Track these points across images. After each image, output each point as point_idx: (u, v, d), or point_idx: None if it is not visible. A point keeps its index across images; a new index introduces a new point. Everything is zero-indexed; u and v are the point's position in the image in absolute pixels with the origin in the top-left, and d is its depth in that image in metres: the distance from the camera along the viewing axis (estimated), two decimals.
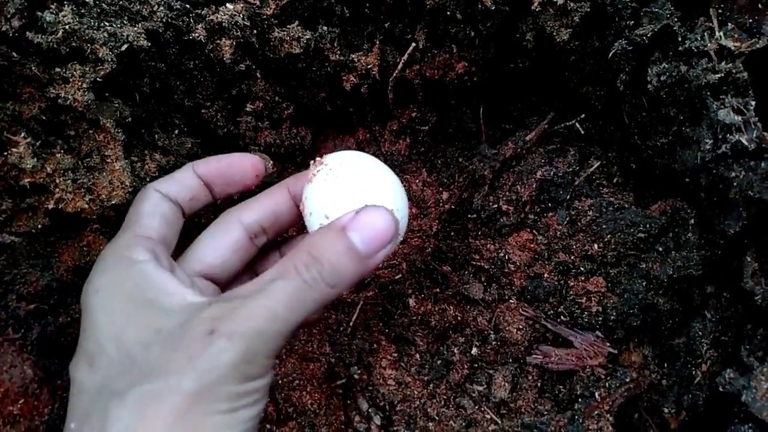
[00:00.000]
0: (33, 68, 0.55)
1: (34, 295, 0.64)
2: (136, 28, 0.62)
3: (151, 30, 0.64)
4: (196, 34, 0.69)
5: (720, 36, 0.58)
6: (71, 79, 0.58)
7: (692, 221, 0.80)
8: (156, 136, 0.79)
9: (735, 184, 0.59)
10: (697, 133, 0.63)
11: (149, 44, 0.63)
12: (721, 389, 0.66)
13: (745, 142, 0.55)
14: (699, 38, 0.59)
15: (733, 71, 0.57)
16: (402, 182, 1.05)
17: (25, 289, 0.63)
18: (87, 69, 0.58)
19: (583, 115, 0.83)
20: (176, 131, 0.83)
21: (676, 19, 0.61)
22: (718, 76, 0.57)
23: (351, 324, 0.93)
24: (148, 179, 0.76)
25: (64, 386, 0.62)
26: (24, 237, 0.63)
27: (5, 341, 0.56)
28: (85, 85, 0.58)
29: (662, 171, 0.81)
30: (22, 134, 0.57)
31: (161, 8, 0.64)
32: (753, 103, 0.56)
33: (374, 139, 1.07)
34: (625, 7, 0.62)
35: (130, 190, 0.70)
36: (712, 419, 0.78)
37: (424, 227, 1.00)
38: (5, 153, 0.56)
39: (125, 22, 0.61)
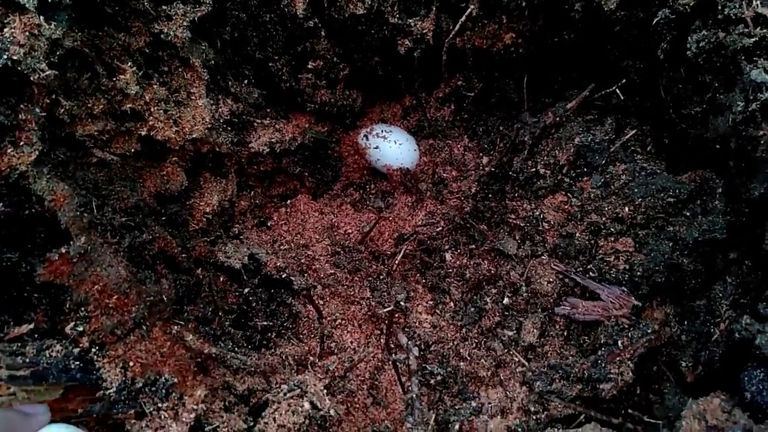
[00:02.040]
0: (145, 3, 0.63)
1: (124, 210, 0.72)
2: None
3: None
4: None
5: (757, 4, 0.63)
6: (174, 17, 0.66)
7: (720, 190, 0.86)
8: (230, 82, 0.87)
9: (762, 141, 0.65)
10: (730, 99, 0.69)
11: None
12: (737, 335, 0.71)
13: None
14: (738, 6, 0.64)
15: (767, 36, 0.62)
16: (444, 146, 1.12)
17: (118, 204, 0.71)
18: (188, 9, 0.67)
19: (624, 81, 0.88)
20: (246, 81, 0.91)
21: None
22: (753, 40, 0.63)
23: (391, 271, 1.00)
24: (222, 121, 0.85)
25: (147, 291, 0.70)
26: (120, 158, 0.71)
27: (105, 243, 0.64)
28: (185, 23, 0.66)
29: (694, 142, 0.87)
30: (129, 63, 0.65)
31: None
32: None
33: (420, 105, 1.14)
34: None
35: (208, 126, 0.79)
36: (726, 374, 0.83)
37: (463, 188, 1.07)
38: (114, 78, 0.65)
39: None
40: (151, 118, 0.70)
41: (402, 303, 0.91)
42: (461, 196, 1.06)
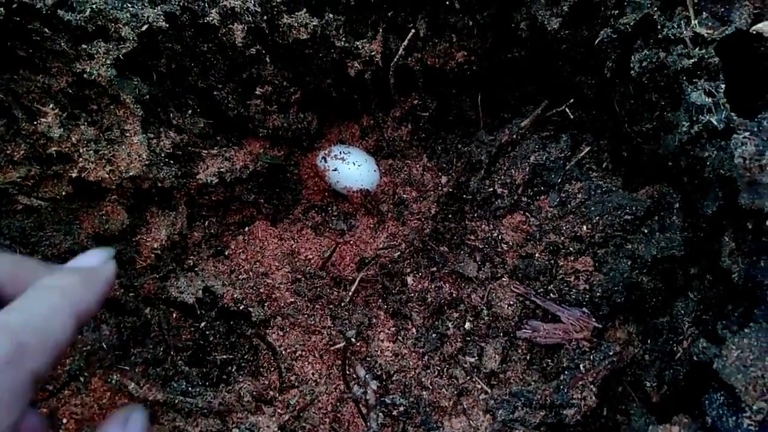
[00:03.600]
0: (62, 44, 0.60)
1: (57, 257, 0.69)
2: (155, 10, 0.67)
3: (169, 12, 0.69)
4: (210, 18, 0.74)
5: (695, 24, 0.62)
6: (96, 56, 0.63)
7: (677, 205, 0.84)
8: (171, 114, 0.84)
9: (708, 163, 0.63)
10: (676, 117, 0.67)
11: (167, 26, 0.68)
12: (695, 358, 0.70)
13: (715, 123, 0.59)
14: (676, 26, 0.63)
15: (706, 56, 0.61)
16: (403, 167, 1.10)
17: (50, 251, 0.68)
18: (110, 46, 0.64)
19: (572, 100, 0.87)
20: (189, 111, 0.88)
21: (656, 8, 0.65)
22: (692, 61, 0.61)
23: (350, 298, 0.97)
24: (162, 155, 0.82)
25: (83, 341, 0.67)
26: (49, 202, 0.68)
27: None
28: (108, 62, 0.64)
29: (649, 157, 0.86)
30: (51, 105, 0.62)
31: None
32: (723, 86, 0.60)
33: (377, 125, 1.12)
34: None
35: (146, 163, 0.76)
36: (690, 393, 0.82)
37: (423, 210, 1.05)
38: (35, 122, 0.62)
39: (146, 4, 0.66)
40: (81, 159, 0.67)
41: (353, 339, 0.88)
42: (422, 217, 1.04)
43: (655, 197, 0.87)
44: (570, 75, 0.89)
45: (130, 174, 0.74)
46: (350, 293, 0.96)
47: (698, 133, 0.62)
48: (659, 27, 0.65)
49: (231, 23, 0.77)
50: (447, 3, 0.81)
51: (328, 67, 0.95)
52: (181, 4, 0.70)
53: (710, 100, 0.59)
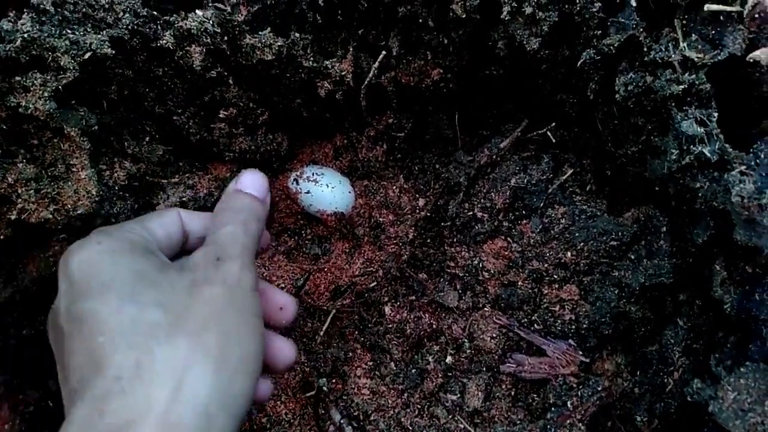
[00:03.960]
0: None
1: None
2: (100, 36, 0.61)
3: (116, 37, 0.63)
4: (164, 41, 0.68)
5: (684, 47, 0.58)
6: (32, 88, 0.57)
7: (664, 229, 0.81)
8: (126, 143, 0.78)
9: (700, 195, 0.59)
10: (665, 143, 0.63)
11: (114, 52, 0.62)
12: (689, 399, 0.66)
13: (708, 154, 0.55)
14: (664, 49, 0.59)
15: (696, 82, 0.57)
16: (379, 188, 1.05)
17: None
18: (48, 77, 0.58)
19: (554, 124, 0.83)
20: (147, 138, 0.82)
21: (641, 30, 0.61)
22: (682, 87, 0.57)
23: (324, 332, 0.92)
24: (116, 188, 0.76)
25: (26, 401, 0.61)
26: None
27: None
28: (46, 94, 0.58)
29: (634, 178, 0.82)
30: None
31: (127, 15, 0.64)
32: (715, 114, 0.56)
33: (351, 145, 1.06)
34: (593, 17, 0.62)
35: (96, 199, 0.70)
36: (683, 427, 0.78)
37: (400, 234, 1.00)
38: None
39: (89, 29, 0.60)
40: (20, 200, 0.61)
41: (325, 388, 0.83)
42: (399, 242, 0.99)
43: (641, 220, 0.83)
44: (551, 93, 0.85)
45: (78, 212, 0.68)
46: (325, 326, 0.90)
47: (689, 164, 0.58)
48: (645, 49, 0.61)
49: (188, 45, 0.72)
50: (420, 21, 0.76)
51: (297, 87, 0.90)
52: (129, 27, 0.64)
53: (702, 129, 0.55)
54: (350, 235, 1.02)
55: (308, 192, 1.00)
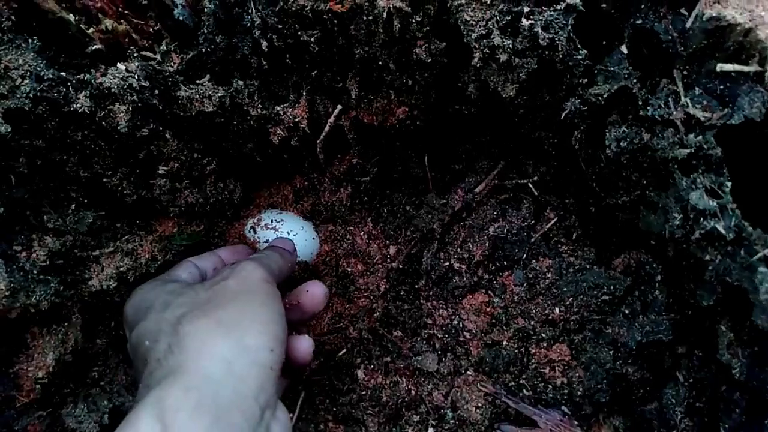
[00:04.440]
0: None
1: None
2: None
3: (14, 109, 0.52)
4: (79, 105, 0.58)
5: (686, 102, 0.50)
6: None
7: (658, 278, 0.73)
8: (46, 216, 0.67)
9: (711, 268, 0.52)
10: (664, 201, 0.55)
11: (10, 129, 0.52)
12: None
13: (722, 231, 0.48)
14: (663, 104, 0.51)
15: (704, 146, 0.49)
16: (346, 234, 0.96)
17: None
18: None
19: (536, 178, 0.75)
20: (73, 206, 0.71)
21: (635, 80, 0.53)
22: (688, 151, 0.49)
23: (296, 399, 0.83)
24: (35, 271, 0.65)
25: None
26: None
27: None
28: None
29: (624, 224, 0.74)
30: None
31: (27, 81, 0.53)
32: (729, 184, 0.49)
33: (313, 187, 0.97)
34: (577, 64, 0.54)
35: (7, 294, 0.59)
36: None
37: (371, 286, 0.90)
38: None
39: None
40: None
41: None
42: (370, 296, 0.90)
43: (633, 267, 0.76)
44: (528, 131, 0.77)
45: None
46: (297, 409, 0.81)
47: (698, 239, 0.50)
48: (641, 103, 0.53)
49: (110, 105, 0.61)
50: (380, 63, 0.67)
51: (247, 134, 0.80)
52: (31, 95, 0.53)
53: (714, 203, 0.48)
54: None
55: (267, 241, 0.91)
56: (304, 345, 0.64)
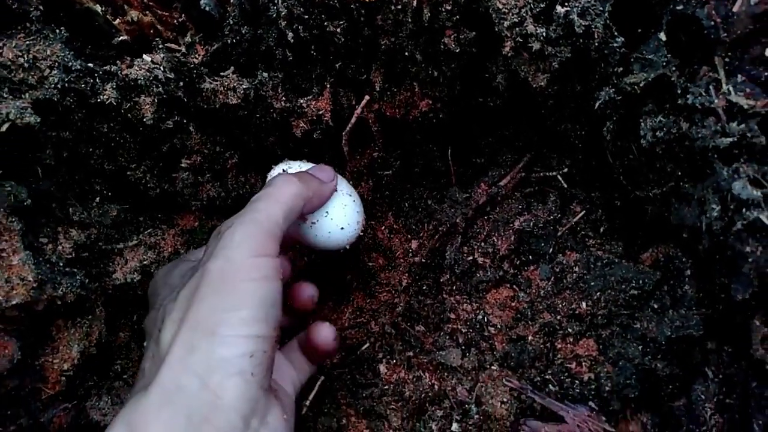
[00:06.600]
0: None
1: None
2: (20, 102, 0.50)
3: (42, 100, 0.52)
4: (105, 96, 0.57)
5: (728, 90, 0.49)
6: None
7: (688, 272, 0.72)
8: (71, 209, 0.67)
9: (751, 260, 0.50)
10: (699, 192, 0.54)
11: (39, 120, 0.51)
12: None
13: (766, 221, 0.47)
14: (703, 92, 0.50)
15: (748, 134, 0.48)
16: (367, 228, 0.95)
17: None
18: None
19: (565, 170, 0.74)
20: (97, 199, 0.71)
21: (673, 68, 0.52)
22: (730, 140, 0.48)
23: (310, 400, 0.82)
24: (61, 263, 0.65)
25: None
26: None
27: None
28: None
29: (653, 217, 0.73)
30: None
31: (55, 72, 0.53)
32: None
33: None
34: (613, 52, 0.53)
35: (34, 285, 0.59)
36: None
37: (392, 281, 0.90)
38: None
39: (5, 95, 0.50)
40: None
41: None
42: (392, 290, 0.89)
43: (661, 261, 0.74)
44: (554, 123, 0.75)
45: (14, 302, 0.57)
46: (310, 398, 0.80)
47: (738, 230, 0.49)
48: (679, 91, 0.51)
49: (135, 97, 0.61)
50: (406, 54, 0.66)
51: (269, 127, 0.79)
52: (59, 86, 0.53)
53: (758, 192, 0.47)
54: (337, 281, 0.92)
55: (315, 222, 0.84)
56: (325, 332, 0.66)
